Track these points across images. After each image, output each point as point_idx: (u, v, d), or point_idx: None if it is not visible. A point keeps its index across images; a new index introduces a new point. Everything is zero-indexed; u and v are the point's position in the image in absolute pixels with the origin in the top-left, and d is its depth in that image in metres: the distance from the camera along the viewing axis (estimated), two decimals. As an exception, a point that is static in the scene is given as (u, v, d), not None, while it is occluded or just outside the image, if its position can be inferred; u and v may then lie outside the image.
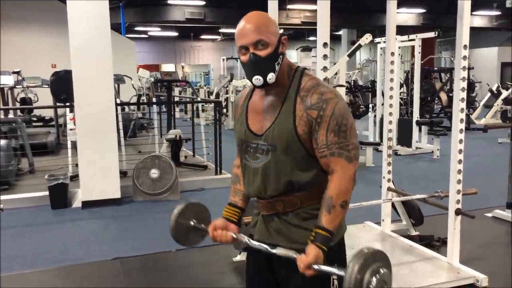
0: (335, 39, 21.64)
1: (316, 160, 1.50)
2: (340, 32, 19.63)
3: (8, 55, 10.40)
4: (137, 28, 18.69)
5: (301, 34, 20.27)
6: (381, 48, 8.45)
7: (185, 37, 22.61)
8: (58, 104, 5.91)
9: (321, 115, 1.46)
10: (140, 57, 24.04)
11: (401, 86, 10.69)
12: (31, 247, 3.86)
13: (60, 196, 4.86)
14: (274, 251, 1.48)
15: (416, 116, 8.10)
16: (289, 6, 13.84)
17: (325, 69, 2.74)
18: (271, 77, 1.47)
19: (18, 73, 7.05)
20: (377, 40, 8.34)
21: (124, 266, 3.43)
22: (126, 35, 20.54)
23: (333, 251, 1.51)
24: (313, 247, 1.41)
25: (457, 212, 3.09)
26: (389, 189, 3.75)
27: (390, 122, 3.70)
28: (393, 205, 3.92)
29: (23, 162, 6.33)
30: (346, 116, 1.49)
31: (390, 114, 3.69)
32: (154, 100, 7.53)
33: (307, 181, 1.51)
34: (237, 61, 18.55)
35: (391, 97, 3.68)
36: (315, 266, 1.37)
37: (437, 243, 3.74)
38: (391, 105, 3.68)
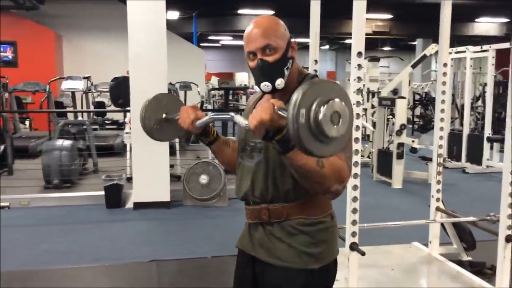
0: (410, 49, 20.87)
1: None
2: (415, 42, 18.89)
3: (86, 61, 11.16)
4: (210, 37, 19.26)
5: (373, 44, 19.77)
6: (451, 59, 7.99)
7: (256, 46, 22.91)
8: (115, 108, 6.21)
9: None
10: (213, 65, 24.76)
11: (477, 99, 10.03)
12: (79, 244, 4.06)
13: (114, 196, 5.09)
14: (234, 118, 1.42)
15: (488, 132, 7.54)
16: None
17: (358, 79, 2.62)
18: (279, 82, 1.42)
19: (88, 78, 7.52)
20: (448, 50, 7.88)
21: (160, 269, 3.50)
22: (200, 44, 21.28)
23: (317, 275, 1.43)
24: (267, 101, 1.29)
25: (508, 238, 2.82)
26: (437, 209, 3.51)
27: (441, 138, 3.47)
28: (444, 227, 3.67)
29: (89, 162, 6.72)
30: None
31: (441, 128, 3.45)
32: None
33: (294, 187, 1.43)
34: (307, 69, 18.44)
35: (442, 110, 3.44)
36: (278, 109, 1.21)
37: (489, 271, 3.43)
38: (442, 119, 3.45)
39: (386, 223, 3.41)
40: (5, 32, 10.68)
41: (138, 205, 5.04)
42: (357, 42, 2.60)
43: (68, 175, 5.59)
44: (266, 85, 1.42)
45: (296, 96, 1.10)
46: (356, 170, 2.67)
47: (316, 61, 3.36)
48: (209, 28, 14.93)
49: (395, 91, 9.67)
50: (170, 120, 1.62)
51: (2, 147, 6.37)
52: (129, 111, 4.92)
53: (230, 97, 14.24)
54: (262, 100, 1.58)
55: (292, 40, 1.46)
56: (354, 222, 2.71)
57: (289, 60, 1.44)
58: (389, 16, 14.44)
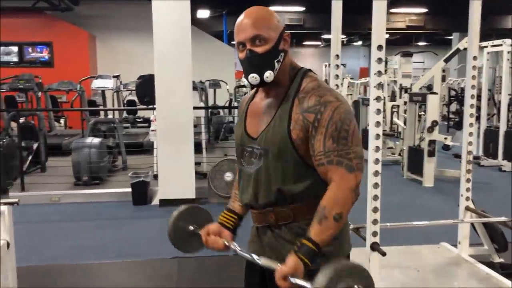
0: (446, 43, 20.26)
1: (313, 170, 1.37)
2: (452, 37, 18.31)
3: (119, 60, 11.35)
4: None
5: (407, 39, 19.30)
6: (488, 53, 7.69)
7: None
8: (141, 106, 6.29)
9: (318, 118, 1.33)
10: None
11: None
12: (104, 240, 4.13)
13: (140, 193, 5.15)
14: (258, 261, 1.37)
15: (526, 128, 7.21)
16: (392, 10, 13.24)
17: (379, 73, 2.53)
18: (268, 75, 1.37)
19: (117, 77, 7.65)
20: (484, 44, 7.59)
21: (180, 266, 3.51)
22: (232, 42, 21.31)
23: None
24: (294, 257, 1.28)
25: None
26: (467, 208, 3.36)
27: (471, 134, 3.32)
28: (474, 227, 3.51)
29: (119, 160, 6.84)
30: (347, 121, 1.34)
31: (471, 125, 3.30)
32: None
33: (300, 192, 1.39)
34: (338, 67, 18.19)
35: (472, 106, 3.29)
36: (291, 279, 1.23)
37: (521, 274, 3.25)
38: (471, 115, 3.30)
39: (410, 222, 3.30)
40: (41, 33, 11.04)
41: (163, 202, 5.08)
42: (377, 35, 2.51)
43: (97, 172, 5.70)
44: (254, 77, 1.37)
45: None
46: (377, 167, 2.59)
47: (337, 55, 3.27)
48: (240, 26, 14.91)
49: (429, 87, 9.40)
50: (196, 235, 1.59)
51: (36, 145, 6.57)
52: (154, 108, 4.96)
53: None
54: (254, 100, 1.52)
55: (286, 32, 1.40)
56: (375, 222, 2.62)
57: (281, 53, 1.39)
58: (424, 10, 14.04)
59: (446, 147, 6.87)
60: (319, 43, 21.20)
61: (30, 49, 11.21)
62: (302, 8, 13.53)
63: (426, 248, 3.56)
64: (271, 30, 1.36)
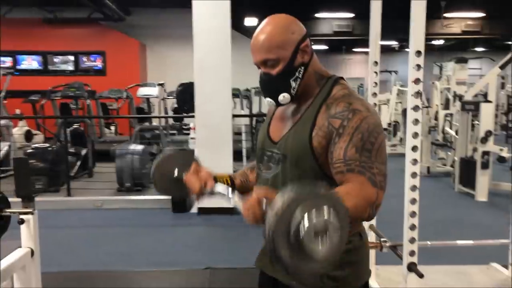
0: (505, 49, 19.21)
1: (333, 181, 1.25)
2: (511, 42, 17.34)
3: (168, 69, 11.59)
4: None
5: (463, 45, 18.46)
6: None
7: (336, 50, 22.46)
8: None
9: (344, 125, 1.22)
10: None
11: None
12: (139, 247, 4.14)
13: (180, 201, 5.15)
14: (231, 198, 1.33)
15: None
16: (446, 14, 12.70)
17: (417, 81, 2.36)
18: (282, 98, 1.30)
19: (162, 85, 7.78)
20: (545, 48, 7.07)
21: (212, 277, 3.45)
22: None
23: None
24: (265, 188, 1.19)
25: None
26: (519, 227, 3.09)
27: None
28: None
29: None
30: (374, 134, 1.23)
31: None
32: None
33: None
34: (391, 74, 17.71)
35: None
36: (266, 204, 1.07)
37: None
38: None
39: (454, 241, 3.06)
40: (95, 42, 11.48)
41: (202, 211, 5.06)
42: (415, 40, 2.35)
43: (139, 178, 5.78)
44: (269, 101, 1.33)
45: (271, 213, 0.94)
46: (415, 182, 2.41)
47: (376, 62, 3.12)
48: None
49: (486, 95, 8.90)
50: (179, 180, 1.51)
51: (84, 151, 6.77)
52: (193, 116, 4.97)
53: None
54: (278, 109, 1.43)
55: (304, 42, 1.29)
56: (412, 240, 2.44)
57: (298, 69, 1.29)
58: (481, 15, 13.38)
59: (502, 159, 6.42)
60: (369, 50, 20.71)
61: (85, 58, 11.69)
62: (351, 15, 13.26)
63: (474, 269, 3.32)
64: (281, 49, 1.27)
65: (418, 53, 2.35)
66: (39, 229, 4.16)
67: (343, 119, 1.23)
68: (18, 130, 9.57)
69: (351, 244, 1.32)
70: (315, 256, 0.93)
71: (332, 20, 13.73)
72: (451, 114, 8.43)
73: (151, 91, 7.05)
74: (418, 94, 2.39)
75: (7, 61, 11.55)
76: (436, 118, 9.18)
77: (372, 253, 3.13)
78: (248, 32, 13.92)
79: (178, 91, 5.71)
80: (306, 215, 0.92)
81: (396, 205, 2.49)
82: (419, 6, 2.33)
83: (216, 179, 1.47)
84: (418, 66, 2.36)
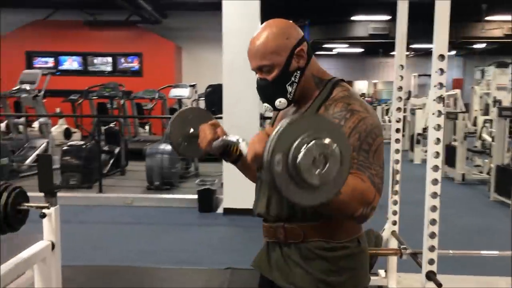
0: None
1: None
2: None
3: (203, 70, 11.74)
4: (324, 46, 19.07)
5: (506, 49, 17.80)
6: None
7: (373, 53, 22.15)
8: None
9: (341, 125, 1.21)
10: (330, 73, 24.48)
11: None
12: (165, 245, 4.21)
13: (206, 200, 5.21)
14: (240, 142, 1.28)
15: None
16: (487, 18, 12.30)
17: (440, 85, 2.30)
18: (278, 103, 1.31)
19: (193, 86, 7.90)
20: None
21: (232, 277, 3.46)
22: (315, 53, 21.15)
23: None
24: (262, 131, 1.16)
25: None
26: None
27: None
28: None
29: (192, 166, 7.01)
30: (372, 135, 1.21)
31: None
32: None
33: (313, 210, 1.26)
34: (430, 77, 17.29)
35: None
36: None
37: None
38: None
39: (479, 251, 2.96)
40: (132, 44, 11.78)
41: (227, 211, 5.10)
42: (439, 44, 2.29)
43: (168, 177, 5.88)
44: (266, 106, 1.34)
45: (271, 137, 0.94)
46: (436, 188, 2.34)
47: (402, 66, 3.06)
48: (322, 36, 14.76)
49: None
50: (197, 136, 1.51)
51: (118, 149, 6.96)
52: (221, 118, 5.02)
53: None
54: (280, 112, 1.45)
55: (299, 47, 1.29)
56: (431, 248, 2.37)
57: (294, 73, 1.29)
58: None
59: (540, 168, 6.16)
60: (407, 53, 20.36)
61: (122, 60, 12.01)
62: (387, 17, 13.04)
63: (501, 281, 3.20)
64: (276, 54, 1.27)
65: (441, 57, 2.29)
66: (70, 224, 4.32)
67: (341, 119, 1.22)
68: (58, 128, 9.96)
69: (349, 250, 1.30)
70: (310, 184, 0.92)
71: (368, 22, 13.56)
72: (490, 120, 8.15)
73: (182, 92, 7.17)
74: (441, 99, 2.33)
75: (50, 61, 12.01)
76: (475, 124, 8.90)
77: (394, 260, 3.07)
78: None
79: (206, 92, 5.78)
80: (308, 139, 0.92)
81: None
82: (443, 7, 2.27)
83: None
84: (441, 70, 2.30)
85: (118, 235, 4.50)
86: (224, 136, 1.40)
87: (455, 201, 5.80)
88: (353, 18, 13.31)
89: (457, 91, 11.53)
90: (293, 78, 1.29)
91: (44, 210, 2.08)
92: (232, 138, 1.35)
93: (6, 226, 1.64)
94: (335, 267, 1.28)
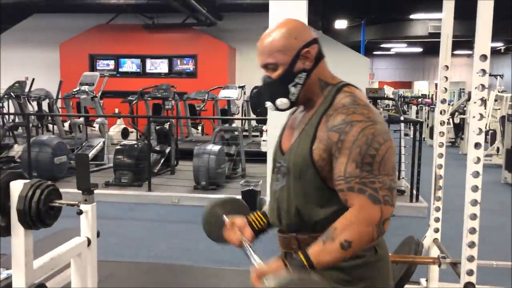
0: None
1: (337, 195, 1.23)
2: None
3: (256, 71, 11.83)
4: (382, 45, 18.59)
5: None
6: None
7: (433, 53, 21.29)
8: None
9: (341, 139, 1.19)
10: (387, 74, 23.84)
11: None
12: (204, 243, 4.22)
13: (249, 201, 5.24)
14: (254, 262, 1.32)
15: None
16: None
17: (481, 87, 2.17)
18: (280, 103, 1.30)
19: (242, 87, 7.97)
20: None
21: (269, 279, 3.46)
22: (373, 53, 20.68)
23: None
24: (279, 262, 1.21)
25: None
26: None
27: None
28: None
29: (240, 167, 7.07)
30: (375, 145, 1.17)
31: None
32: (402, 118, 7.62)
33: (322, 219, 1.25)
34: (496, 78, 16.41)
35: None
36: (265, 280, 1.14)
37: None
38: None
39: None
40: (188, 46, 12.07)
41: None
42: (481, 42, 2.16)
43: (214, 178, 5.96)
44: (268, 105, 1.33)
45: None
46: (476, 195, 2.22)
47: (447, 66, 2.93)
48: (379, 35, 14.42)
49: None
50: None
51: (168, 149, 7.16)
52: (266, 120, 5.03)
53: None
54: (296, 112, 1.42)
55: (306, 49, 1.27)
56: (471, 259, 2.25)
57: (298, 75, 1.27)
58: None
59: None
60: (470, 52, 19.40)
61: (178, 61, 12.34)
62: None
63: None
64: (281, 53, 1.27)
65: (484, 57, 2.16)
66: (119, 220, 4.49)
67: (340, 132, 1.19)
68: (116, 128, 10.40)
69: (364, 259, 1.27)
70: None
71: (428, 21, 13.08)
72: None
73: (231, 93, 7.26)
74: (482, 101, 2.20)
75: (111, 64, 12.58)
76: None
77: (435, 269, 2.94)
78: (339, 35, 13.75)
79: (252, 93, 5.80)
80: None
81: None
82: (486, 5, 2.15)
83: (250, 223, 1.48)
84: (483, 71, 2.17)
85: (163, 232, 4.63)
86: (248, 249, 1.42)
87: (508, 209, 5.47)
88: (411, 16, 12.89)
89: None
90: (297, 79, 1.28)
91: (82, 207, 2.18)
92: (248, 254, 1.39)
93: (39, 222, 1.73)
94: (349, 276, 1.26)
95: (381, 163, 1.18)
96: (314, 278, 1.07)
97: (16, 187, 1.73)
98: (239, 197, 5.31)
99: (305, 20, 4.97)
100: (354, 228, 1.16)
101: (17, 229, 1.74)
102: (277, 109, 1.33)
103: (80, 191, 2.20)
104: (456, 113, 10.74)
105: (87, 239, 2.24)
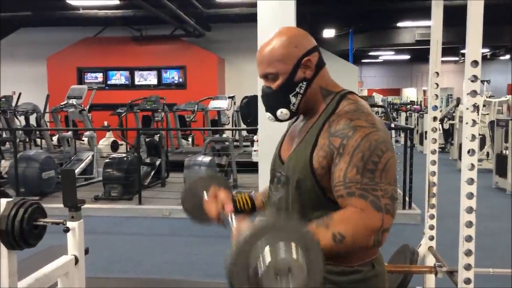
0: None
1: (337, 206, 1.17)
2: None
3: (246, 82, 11.80)
4: (370, 53, 18.73)
5: None
6: None
7: (421, 60, 21.51)
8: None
9: (344, 144, 1.14)
10: (375, 81, 24.01)
11: None
12: (198, 257, 4.20)
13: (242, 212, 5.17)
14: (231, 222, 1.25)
15: None
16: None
17: (473, 93, 2.15)
18: (280, 113, 1.26)
19: (232, 98, 7.94)
20: None
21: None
22: (362, 61, 20.82)
23: None
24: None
25: None
26: None
27: None
28: None
29: (231, 178, 7.01)
30: (378, 152, 1.13)
31: None
32: (392, 125, 7.65)
33: None
34: (483, 83, 16.57)
35: None
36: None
37: None
38: None
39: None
40: (176, 57, 12.04)
41: (264, 223, 5.03)
42: (472, 48, 2.14)
43: (206, 189, 5.89)
44: (269, 116, 1.30)
45: (232, 250, 0.89)
46: (471, 203, 2.18)
47: (437, 73, 2.91)
48: (367, 43, 14.52)
49: None
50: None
51: (158, 161, 7.08)
52: (257, 129, 4.99)
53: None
54: (296, 121, 1.39)
55: (307, 57, 1.23)
56: (468, 267, 2.21)
57: (299, 84, 1.24)
58: None
59: None
60: (456, 58, 19.63)
61: (167, 73, 12.29)
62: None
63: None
64: (281, 63, 1.23)
65: (475, 63, 2.14)
66: (109, 235, 4.40)
67: (343, 137, 1.15)
68: (105, 141, 10.28)
69: (361, 274, 1.22)
70: None
71: (415, 28, 13.20)
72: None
73: (221, 103, 7.23)
74: (475, 107, 2.18)
75: (99, 77, 12.49)
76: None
77: (431, 278, 2.90)
78: (327, 44, 13.81)
79: (242, 103, 5.77)
80: (268, 250, 0.85)
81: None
82: (476, 8, 2.13)
83: (235, 201, 1.43)
84: (475, 77, 2.15)
85: (153, 246, 4.55)
86: (226, 217, 1.36)
87: (506, 214, 5.46)
88: (398, 24, 13.00)
89: (509, 97, 10.96)
90: (297, 89, 1.24)
91: (68, 224, 2.11)
92: (228, 218, 1.32)
93: (22, 242, 1.66)
94: None
95: (384, 170, 1.13)
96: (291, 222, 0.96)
97: (-1, 206, 1.66)
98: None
99: (293, 22, 4.95)
100: (352, 226, 1.10)
101: (0, 250, 1.67)
102: (277, 120, 1.29)
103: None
104: (445, 119, 10.80)
105: (75, 257, 2.17)
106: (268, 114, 1.30)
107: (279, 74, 1.23)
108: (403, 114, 14.06)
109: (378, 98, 19.62)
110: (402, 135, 5.40)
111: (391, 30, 13.50)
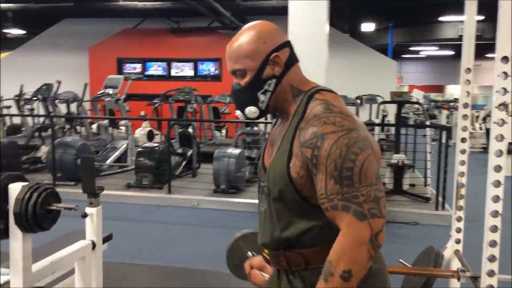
0: None
1: (321, 211, 1.14)
2: None
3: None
4: (411, 48, 18.21)
5: None
6: None
7: (467, 56, 20.75)
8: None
9: (315, 155, 1.11)
10: (417, 77, 23.36)
11: None
12: (222, 248, 4.22)
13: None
14: None
15: None
16: None
17: (503, 91, 2.03)
18: (248, 111, 1.23)
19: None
20: None
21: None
22: (402, 56, 20.28)
23: None
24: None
25: None
26: None
27: None
28: None
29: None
30: (350, 156, 1.08)
31: None
32: (428, 122, 7.50)
33: (307, 236, 1.18)
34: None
35: None
36: None
37: None
38: None
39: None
40: (212, 49, 12.11)
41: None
42: (502, 44, 2.03)
43: (234, 181, 5.91)
44: (238, 114, 1.25)
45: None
46: (497, 206, 2.08)
47: (469, 69, 2.78)
48: (408, 38, 14.12)
49: None
50: None
51: (190, 152, 7.15)
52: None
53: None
54: (276, 124, 1.33)
55: (276, 53, 1.18)
56: (491, 273, 2.11)
57: (267, 81, 1.19)
58: None
59: None
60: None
61: (203, 65, 12.39)
62: (480, 17, 12.12)
63: None
64: (249, 59, 1.19)
65: (505, 59, 2.03)
66: (139, 223, 4.49)
67: (313, 148, 1.11)
68: (141, 130, 10.49)
69: None
70: None
71: (459, 23, 12.70)
72: None
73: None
74: (504, 106, 2.07)
75: (138, 67, 12.73)
76: None
77: (455, 282, 2.79)
78: (366, 38, 13.53)
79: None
80: None
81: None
82: (507, 5, 2.01)
83: (267, 259, 1.41)
84: (505, 74, 2.03)
85: (181, 236, 4.61)
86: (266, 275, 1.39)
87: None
88: (441, 18, 12.56)
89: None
90: (266, 86, 1.20)
91: (87, 210, 2.16)
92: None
93: (36, 225, 1.70)
94: None
95: (361, 174, 1.09)
96: None
97: (15, 190, 1.71)
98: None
99: (327, 21, 4.88)
100: (348, 255, 1.08)
101: (15, 232, 1.72)
102: (247, 117, 1.26)
103: (86, 194, 2.19)
104: (488, 118, 10.38)
105: (92, 242, 2.22)
106: (238, 112, 1.28)
107: (247, 71, 1.19)
108: (444, 112, 13.60)
109: (419, 94, 19.11)
110: (444, 133, 5.26)
111: (433, 25, 13.06)
